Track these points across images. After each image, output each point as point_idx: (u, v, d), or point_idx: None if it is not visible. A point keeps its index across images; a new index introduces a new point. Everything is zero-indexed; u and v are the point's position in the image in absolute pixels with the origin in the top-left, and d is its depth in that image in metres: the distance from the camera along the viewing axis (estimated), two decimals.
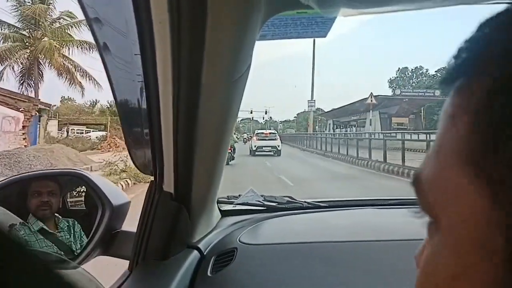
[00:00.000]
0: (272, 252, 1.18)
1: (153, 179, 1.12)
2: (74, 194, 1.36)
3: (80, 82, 30.10)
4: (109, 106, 48.32)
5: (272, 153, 25.15)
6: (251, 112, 66.55)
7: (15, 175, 1.29)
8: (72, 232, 1.33)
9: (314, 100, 42.18)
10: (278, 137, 27.28)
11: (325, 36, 1.03)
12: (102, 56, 0.84)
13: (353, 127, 46.12)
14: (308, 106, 43.19)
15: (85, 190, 1.31)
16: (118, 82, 0.95)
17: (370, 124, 32.19)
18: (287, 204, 1.58)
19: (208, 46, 0.77)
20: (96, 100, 56.40)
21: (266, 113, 73.53)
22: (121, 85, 0.97)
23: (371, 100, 30.64)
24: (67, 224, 1.34)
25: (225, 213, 1.51)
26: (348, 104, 40.18)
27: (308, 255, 1.14)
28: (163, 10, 0.71)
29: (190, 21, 0.73)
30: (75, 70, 29.56)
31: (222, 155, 1.11)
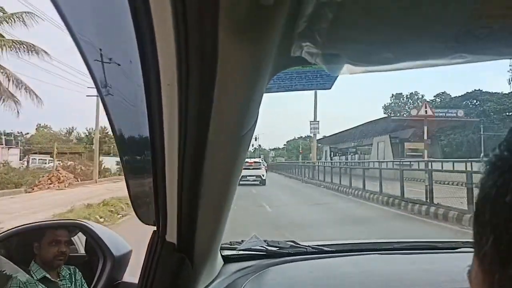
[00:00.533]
0: None
1: (155, 229, 1.11)
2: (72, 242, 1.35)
3: (14, 95, 22.24)
4: (87, 133, 45.99)
5: (257, 182, 25.04)
6: None
7: (24, 225, 1.28)
8: (74, 280, 1.31)
9: (318, 121, 35.55)
10: (263, 166, 26.95)
11: (330, 88, 1.04)
12: (109, 113, 0.84)
13: (354, 154, 42.98)
14: (311, 129, 36.74)
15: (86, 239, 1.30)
16: (123, 135, 0.95)
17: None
18: (291, 249, 1.56)
19: (215, 106, 0.77)
20: (72, 127, 55.00)
21: (256, 140, 68.11)
22: (127, 138, 0.97)
23: (426, 112, 25.74)
24: (69, 272, 1.32)
25: (227, 259, 1.48)
26: (348, 129, 37.39)
27: None
28: (172, 73, 0.71)
29: (199, 83, 0.73)
30: (8, 80, 21.83)
31: (227, 205, 1.10)
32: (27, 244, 1.25)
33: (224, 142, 0.88)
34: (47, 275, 1.27)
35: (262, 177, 25.53)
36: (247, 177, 24.76)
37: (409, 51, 0.80)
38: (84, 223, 1.26)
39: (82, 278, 1.33)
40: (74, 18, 0.64)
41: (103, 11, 0.72)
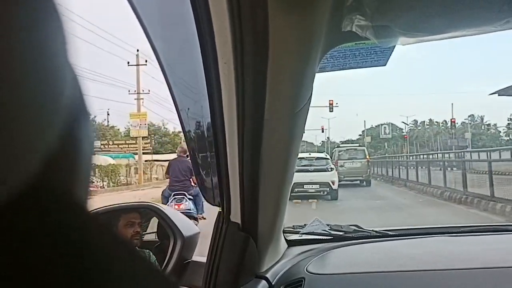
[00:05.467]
0: (340, 282, 1.17)
1: (220, 210, 1.16)
2: (146, 225, 1.44)
3: None
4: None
5: (321, 193, 13.96)
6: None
7: (102, 207, 1.39)
8: None
9: None
10: (332, 165, 14.97)
11: (384, 65, 1.04)
12: (173, 94, 0.90)
13: None
14: None
15: (157, 222, 1.38)
16: (187, 118, 1.01)
17: None
18: (354, 233, 1.56)
19: (270, 83, 0.81)
20: None
21: (323, 131, 51.40)
22: (190, 122, 1.04)
23: None
24: (144, 254, 1.41)
25: (291, 243, 1.51)
26: None
27: (378, 285, 1.12)
28: (228, 52, 0.76)
29: (253, 60, 0.77)
30: None
31: (287, 185, 1.13)
32: None
33: (280, 119, 0.92)
34: None
35: (331, 185, 13.86)
36: (304, 187, 13.61)
37: (459, 18, 0.79)
38: (155, 205, 1.35)
39: (155, 261, 1.41)
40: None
41: None
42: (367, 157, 19.41)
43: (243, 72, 0.79)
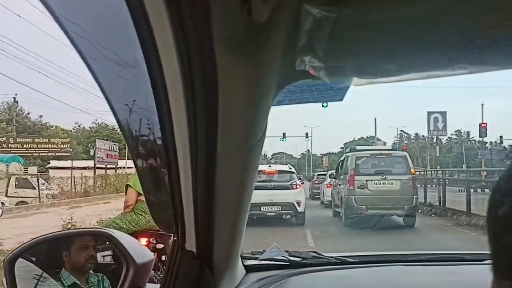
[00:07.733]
0: None
1: (175, 238, 1.14)
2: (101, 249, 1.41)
3: None
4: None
5: (284, 216, 11.18)
6: (284, 137, 39.52)
7: (51, 233, 1.36)
8: (102, 287, 1.37)
9: None
10: (297, 182, 11.41)
11: (341, 100, 1.06)
12: (124, 132, 0.89)
13: None
14: None
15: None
16: (141, 158, 1.00)
17: None
18: (313, 260, 1.56)
19: (221, 120, 0.81)
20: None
21: (307, 137, 46.82)
22: (143, 159, 1.02)
23: None
24: (97, 278, 1.38)
25: (249, 269, 1.50)
26: None
27: None
28: (178, 89, 0.75)
29: (204, 98, 0.77)
30: None
31: (242, 213, 1.13)
32: (55, 251, 1.33)
33: (233, 154, 0.92)
34: (77, 282, 1.33)
35: (296, 206, 10.97)
36: (261, 208, 10.59)
37: (411, 62, 0.81)
38: (108, 232, 1.32)
39: (109, 285, 1.38)
40: (83, 42, 0.69)
41: (114, 38, 0.78)
42: (412, 170, 11.39)
43: (194, 108, 0.79)
